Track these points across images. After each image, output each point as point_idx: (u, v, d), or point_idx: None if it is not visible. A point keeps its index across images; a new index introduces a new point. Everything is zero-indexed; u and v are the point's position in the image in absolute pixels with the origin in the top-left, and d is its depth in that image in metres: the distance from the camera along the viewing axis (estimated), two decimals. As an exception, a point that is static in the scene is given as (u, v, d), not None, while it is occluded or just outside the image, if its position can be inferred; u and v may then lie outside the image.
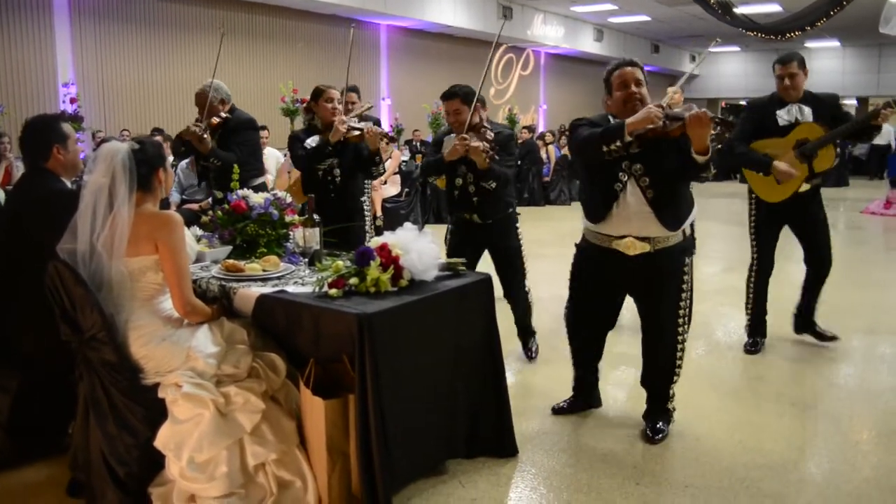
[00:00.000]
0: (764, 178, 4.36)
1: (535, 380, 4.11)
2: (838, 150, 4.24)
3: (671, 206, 3.16)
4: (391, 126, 14.51)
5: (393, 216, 8.84)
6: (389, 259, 2.79)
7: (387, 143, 4.27)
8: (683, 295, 3.30)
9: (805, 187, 4.30)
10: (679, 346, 3.31)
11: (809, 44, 21.69)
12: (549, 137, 13.64)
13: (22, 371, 2.97)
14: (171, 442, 2.57)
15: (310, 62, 12.75)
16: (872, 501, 2.79)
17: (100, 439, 2.63)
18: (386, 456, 2.52)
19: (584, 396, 3.64)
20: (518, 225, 4.21)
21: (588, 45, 19.12)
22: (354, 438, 2.54)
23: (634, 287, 3.35)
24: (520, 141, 12.82)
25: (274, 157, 8.12)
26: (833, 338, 4.66)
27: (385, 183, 8.90)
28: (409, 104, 14.86)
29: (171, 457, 2.57)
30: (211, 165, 4.76)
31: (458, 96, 3.98)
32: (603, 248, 3.26)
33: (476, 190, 3.96)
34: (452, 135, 3.98)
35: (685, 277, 3.28)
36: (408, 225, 3.01)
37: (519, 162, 12.20)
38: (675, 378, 3.35)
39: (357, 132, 4.23)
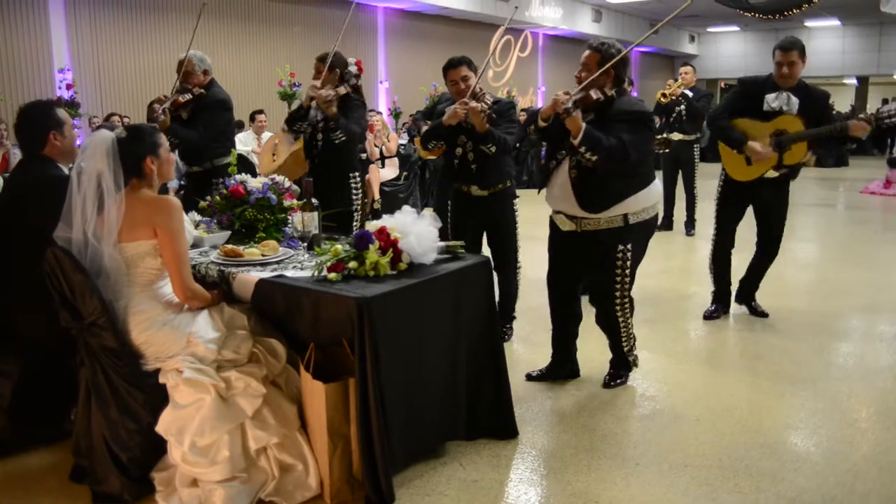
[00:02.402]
0: (735, 156, 4.43)
1: (536, 359, 4.11)
2: (811, 151, 4.25)
3: (593, 189, 3.28)
4: (389, 109, 14.47)
5: (392, 199, 8.83)
6: (388, 242, 2.79)
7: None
8: (617, 279, 3.43)
9: (773, 174, 4.36)
10: (619, 317, 3.51)
11: (809, 23, 21.56)
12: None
13: (23, 356, 2.98)
14: (173, 427, 2.58)
15: (308, 45, 12.67)
16: (870, 479, 2.81)
17: (102, 425, 2.65)
18: (386, 439, 2.53)
19: (560, 364, 3.77)
20: (516, 201, 4.21)
21: (586, 25, 18.99)
22: (355, 422, 2.55)
23: (573, 260, 3.56)
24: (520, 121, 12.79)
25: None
26: (764, 314, 4.81)
27: (383, 166, 8.87)
28: (406, 87, 14.79)
29: (172, 442, 2.58)
30: (169, 141, 4.77)
31: (465, 63, 4.00)
32: (551, 219, 3.55)
33: (475, 157, 3.96)
34: (453, 105, 3.95)
35: (618, 264, 3.38)
36: (406, 208, 3.00)
37: (518, 144, 12.17)
38: (624, 339, 3.59)
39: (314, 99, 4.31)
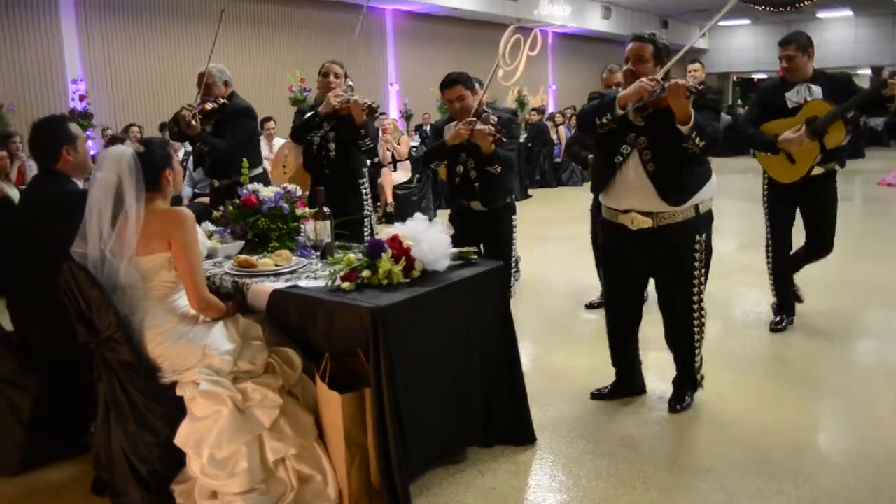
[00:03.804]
0: (776, 159, 4.31)
1: (553, 364, 4.10)
2: (850, 126, 4.13)
3: (673, 180, 3.16)
4: (400, 111, 14.48)
5: (404, 202, 8.83)
6: (401, 250, 2.79)
7: (369, 116, 4.23)
8: (696, 273, 3.28)
9: (818, 170, 4.24)
10: (696, 324, 3.34)
11: (821, 14, 21.36)
12: (559, 118, 13.53)
13: (42, 371, 3.00)
14: (191, 439, 2.59)
15: (317, 50, 12.71)
16: (894, 479, 2.77)
17: (121, 438, 2.66)
18: (402, 447, 2.53)
19: (625, 382, 3.59)
20: (514, 216, 4.09)
21: (596, 23, 18.92)
22: (372, 431, 2.55)
23: (645, 263, 3.35)
24: (529, 122, 12.75)
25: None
26: (799, 299, 4.71)
27: (395, 169, 8.88)
28: (417, 89, 14.79)
29: (191, 454, 2.59)
30: (199, 150, 4.78)
31: (460, 82, 3.90)
32: (613, 223, 3.34)
33: (478, 175, 3.90)
34: (453, 123, 3.92)
35: (696, 255, 3.25)
36: (418, 215, 2.99)
37: (530, 144, 12.14)
38: (697, 352, 3.40)
39: (347, 104, 4.25)
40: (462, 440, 2.96)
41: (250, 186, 3.58)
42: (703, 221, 3.31)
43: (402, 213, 8.76)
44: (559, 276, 6.13)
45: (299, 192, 3.62)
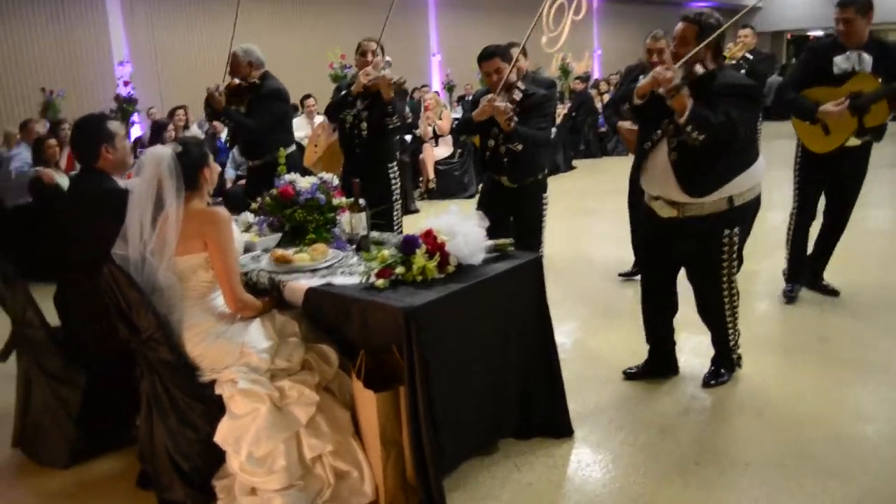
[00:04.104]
0: (812, 128, 4.19)
1: (590, 346, 4.06)
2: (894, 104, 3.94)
3: (696, 171, 3.06)
4: (442, 82, 14.36)
5: (447, 177, 8.80)
6: (435, 246, 2.77)
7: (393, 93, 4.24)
8: (724, 264, 3.22)
9: (854, 142, 4.09)
10: (726, 305, 3.31)
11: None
12: (603, 86, 13.23)
13: (89, 366, 3.08)
14: (230, 437, 2.64)
15: (357, 24, 12.62)
16: (946, 477, 2.68)
17: (163, 435, 2.72)
18: (437, 445, 2.53)
19: (656, 362, 3.59)
20: (546, 194, 4.11)
21: (642, -16, 18.42)
22: (407, 429, 2.56)
23: (674, 251, 3.33)
24: (574, 91, 12.52)
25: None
26: (834, 292, 4.60)
27: (437, 145, 8.82)
28: (460, 59, 14.62)
29: (230, 451, 2.64)
30: (224, 124, 4.85)
31: (497, 55, 3.88)
32: (647, 207, 3.34)
33: (506, 151, 3.88)
34: (489, 95, 3.88)
35: (724, 248, 3.17)
36: (452, 208, 2.97)
37: (574, 113, 11.92)
38: (731, 331, 3.38)
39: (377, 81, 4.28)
40: (498, 433, 2.97)
41: (287, 177, 3.59)
42: (738, 215, 3.18)
43: (444, 188, 8.75)
44: (599, 251, 6.05)
45: (336, 182, 3.62)
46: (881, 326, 4.12)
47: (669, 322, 3.52)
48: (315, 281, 2.84)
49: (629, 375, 3.60)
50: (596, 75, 17.48)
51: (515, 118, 3.70)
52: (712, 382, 3.46)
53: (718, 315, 3.35)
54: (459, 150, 8.89)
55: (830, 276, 4.70)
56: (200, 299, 2.74)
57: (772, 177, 7.64)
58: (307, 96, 9.09)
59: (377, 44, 4.50)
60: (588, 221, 7.40)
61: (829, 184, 4.37)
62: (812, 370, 3.63)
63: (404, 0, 14.00)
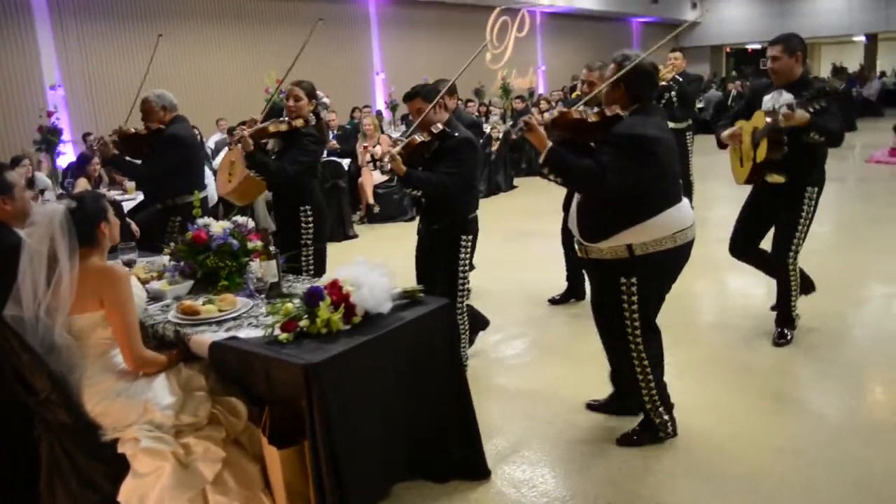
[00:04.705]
0: (734, 156, 4.29)
1: (521, 383, 4.08)
2: (786, 143, 3.95)
3: (592, 215, 3.07)
4: (386, 101, 14.35)
5: (387, 201, 8.78)
6: (340, 297, 2.75)
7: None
8: (626, 318, 3.11)
9: (776, 178, 4.10)
10: (637, 369, 3.18)
11: (814, -18, 21.09)
12: (543, 105, 13.36)
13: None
14: (134, 497, 2.59)
15: (290, 46, 12.53)
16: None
17: (64, 498, 2.65)
18: (342, 498, 2.51)
19: (620, 397, 3.52)
20: (468, 236, 3.87)
21: (584, 1, 18.69)
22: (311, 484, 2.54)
23: (593, 291, 3.40)
24: (515, 110, 12.61)
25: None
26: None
27: (375, 168, 8.79)
28: (404, 77, 14.61)
29: (134, 511, 2.59)
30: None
31: (419, 95, 3.83)
32: None
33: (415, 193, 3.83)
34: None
35: (623, 298, 3.08)
36: (359, 259, 2.96)
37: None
38: (648, 402, 3.23)
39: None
40: (411, 477, 2.97)
41: (201, 221, 3.55)
42: (642, 265, 3.02)
43: (385, 211, 8.73)
44: (535, 276, 6.07)
45: (251, 225, 3.59)
46: (799, 356, 4.22)
47: (611, 351, 3.42)
48: (220, 334, 2.80)
49: (592, 407, 3.62)
50: (541, 90, 17.69)
51: (388, 165, 3.63)
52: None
53: (631, 373, 3.21)
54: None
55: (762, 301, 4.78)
56: (101, 357, 2.69)
57: (712, 189, 7.78)
58: (220, 119, 9.07)
59: (300, 86, 4.40)
60: (526, 243, 7.44)
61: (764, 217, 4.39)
62: (734, 399, 3.70)
63: (347, 18, 14.02)
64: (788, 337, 4.33)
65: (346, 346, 2.60)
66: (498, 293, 5.64)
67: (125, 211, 6.61)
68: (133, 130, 4.68)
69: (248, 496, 2.66)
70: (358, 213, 8.87)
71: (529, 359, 4.41)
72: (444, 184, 3.68)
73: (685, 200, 3.13)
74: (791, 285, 4.26)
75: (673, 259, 3.08)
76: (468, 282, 3.97)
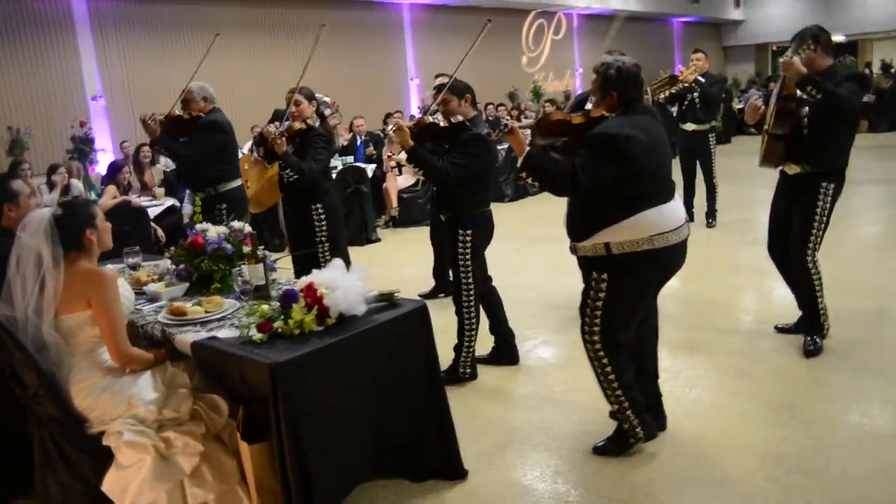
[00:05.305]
0: (762, 139, 4.27)
1: (508, 385, 4.13)
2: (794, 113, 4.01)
3: (576, 214, 3.11)
4: (419, 107, 14.48)
5: (411, 206, 8.89)
6: (314, 299, 2.85)
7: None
8: (587, 311, 3.10)
9: (794, 169, 4.14)
10: (597, 370, 3.17)
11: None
12: (548, 107, 13.30)
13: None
14: (116, 487, 2.73)
15: (332, 51, 12.73)
16: None
17: (55, 488, 2.82)
18: (308, 495, 2.61)
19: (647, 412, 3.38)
20: (468, 231, 3.97)
21: (621, 2, 18.53)
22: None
23: None
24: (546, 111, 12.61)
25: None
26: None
27: (400, 173, 8.93)
28: (438, 82, 14.75)
29: (116, 501, 2.73)
30: (159, 153, 5.71)
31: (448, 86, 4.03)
32: None
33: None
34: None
35: (590, 294, 3.08)
36: (336, 262, 3.06)
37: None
38: (613, 402, 3.21)
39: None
40: (387, 477, 3.05)
41: (198, 226, 3.70)
42: (620, 265, 3.00)
43: (409, 217, 8.84)
44: (551, 280, 6.10)
45: (247, 230, 3.72)
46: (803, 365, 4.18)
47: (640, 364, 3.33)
48: (202, 334, 2.93)
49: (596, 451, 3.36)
50: (578, 93, 17.61)
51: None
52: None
53: (594, 371, 3.21)
54: (422, 178, 8.99)
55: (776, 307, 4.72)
56: (88, 354, 2.84)
57: (724, 195, 7.65)
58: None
59: (300, 93, 4.59)
60: (540, 248, 7.43)
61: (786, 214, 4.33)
62: (727, 405, 3.69)
63: (381, 24, 14.20)
64: (819, 345, 4.19)
65: (314, 347, 2.70)
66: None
67: (151, 217, 6.88)
68: (178, 113, 5.06)
69: (224, 490, 2.79)
70: (383, 218, 9.01)
71: (530, 363, 4.45)
72: (447, 171, 3.84)
73: (673, 203, 3.05)
74: (814, 285, 4.17)
75: (649, 263, 3.02)
76: (470, 277, 4.02)
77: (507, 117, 3.61)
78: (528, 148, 3.03)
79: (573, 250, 3.19)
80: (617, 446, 3.26)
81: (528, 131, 3.19)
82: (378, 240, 8.23)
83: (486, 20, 4.08)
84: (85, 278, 2.79)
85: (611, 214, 2.97)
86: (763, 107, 4.19)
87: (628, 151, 2.89)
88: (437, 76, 4.87)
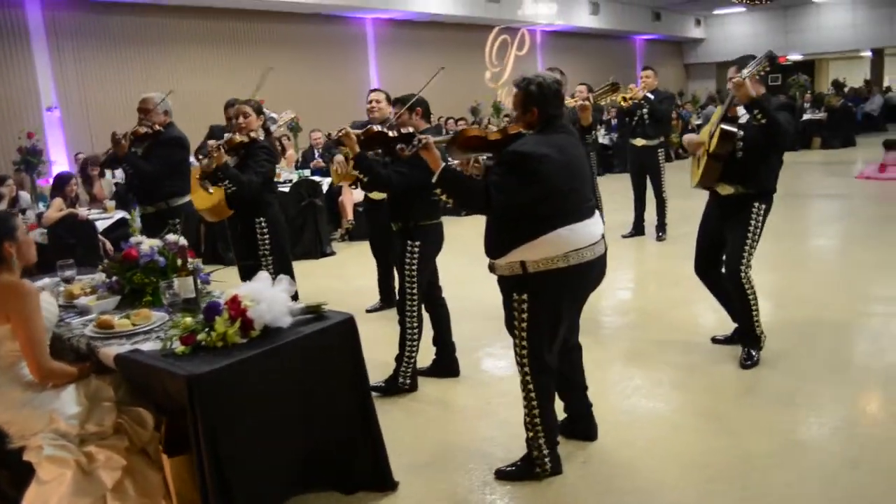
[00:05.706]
0: (693, 161, 4.45)
1: (447, 396, 4.16)
2: (734, 140, 4.14)
3: (492, 232, 3.11)
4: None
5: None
6: (238, 311, 2.86)
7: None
8: (515, 334, 3.11)
9: (727, 189, 4.22)
10: (522, 385, 3.16)
11: (817, -2, 21.08)
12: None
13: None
14: (37, 502, 2.70)
15: (295, 65, 12.76)
16: None
17: (-28, 503, 2.78)
18: (227, 507, 2.62)
19: (572, 421, 3.50)
20: (410, 245, 4.03)
21: (584, 19, 18.84)
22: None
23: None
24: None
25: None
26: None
27: (355, 187, 8.92)
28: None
29: (36, 517, 2.70)
30: (123, 170, 5.34)
31: (400, 101, 4.13)
32: None
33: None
34: None
35: (514, 315, 3.08)
36: (262, 274, 3.08)
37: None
38: (531, 434, 3.18)
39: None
40: (314, 488, 3.06)
41: (133, 239, 3.69)
42: (536, 283, 3.00)
43: (363, 230, 8.81)
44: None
45: (182, 242, 3.71)
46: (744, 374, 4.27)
47: (563, 383, 3.38)
48: (126, 347, 2.92)
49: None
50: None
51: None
52: (512, 472, 3.24)
53: (522, 390, 3.17)
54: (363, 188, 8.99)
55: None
56: (9, 369, 2.82)
57: (675, 209, 7.79)
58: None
59: (247, 105, 4.61)
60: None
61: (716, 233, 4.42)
62: (664, 416, 3.76)
63: (344, 38, 14.25)
64: (755, 358, 4.28)
65: (234, 359, 2.70)
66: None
67: (100, 230, 6.83)
68: (142, 130, 5.08)
69: None
70: (339, 231, 9.01)
71: (471, 375, 4.48)
72: (390, 179, 3.89)
73: (588, 221, 3.05)
74: (749, 300, 4.25)
75: (565, 280, 3.00)
76: (415, 287, 4.07)
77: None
78: (442, 164, 3.03)
79: (491, 269, 3.16)
80: (520, 472, 3.21)
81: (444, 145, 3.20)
82: (333, 253, 8.23)
83: (439, 68, 4.14)
84: (3, 291, 2.77)
85: (525, 232, 2.96)
86: (703, 142, 4.29)
87: (540, 171, 2.88)
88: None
